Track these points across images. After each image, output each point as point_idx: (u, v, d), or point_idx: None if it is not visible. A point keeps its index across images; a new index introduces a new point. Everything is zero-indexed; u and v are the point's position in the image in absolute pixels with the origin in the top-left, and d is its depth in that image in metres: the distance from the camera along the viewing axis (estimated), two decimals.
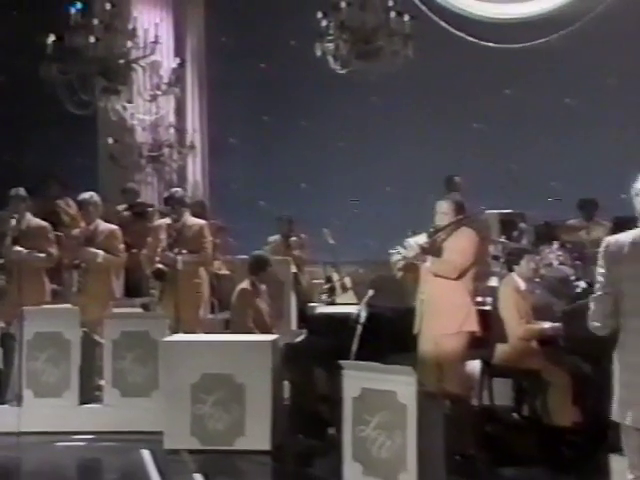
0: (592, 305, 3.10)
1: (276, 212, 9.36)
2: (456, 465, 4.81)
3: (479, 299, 6.20)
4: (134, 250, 7.46)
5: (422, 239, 5.11)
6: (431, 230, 5.17)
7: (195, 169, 10.83)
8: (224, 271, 8.04)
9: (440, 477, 4.54)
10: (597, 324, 3.06)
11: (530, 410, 5.67)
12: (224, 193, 10.77)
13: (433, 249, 5.09)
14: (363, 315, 5.03)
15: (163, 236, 6.61)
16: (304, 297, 7.93)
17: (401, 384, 4.50)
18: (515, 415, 5.80)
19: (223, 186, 10.91)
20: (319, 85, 10.49)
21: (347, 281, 8.06)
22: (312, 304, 7.54)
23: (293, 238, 8.53)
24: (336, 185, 10.58)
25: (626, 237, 3.06)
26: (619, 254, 3.01)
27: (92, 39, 7.99)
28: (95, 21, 8.06)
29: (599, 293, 3.08)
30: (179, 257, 6.40)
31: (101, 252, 6.61)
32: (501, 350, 5.51)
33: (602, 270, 3.07)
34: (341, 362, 4.70)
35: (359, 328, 4.96)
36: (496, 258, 6.85)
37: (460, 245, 5.13)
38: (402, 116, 10.33)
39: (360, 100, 10.40)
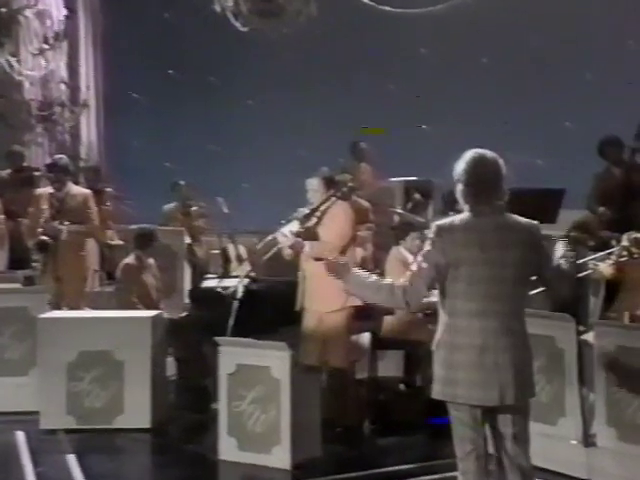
0: (410, 281, 3.36)
1: (182, 175, 9.66)
2: (336, 436, 5.35)
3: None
4: (20, 219, 7.72)
5: (295, 226, 5.48)
6: (304, 215, 5.53)
7: (90, 129, 11.01)
8: (117, 241, 8.36)
9: (315, 449, 5.09)
10: (411, 304, 3.38)
11: (420, 380, 6.24)
12: (124, 154, 10.98)
13: (309, 234, 5.48)
14: (240, 290, 5.47)
15: (45, 206, 6.82)
16: (199, 269, 8.30)
17: (275, 359, 5.02)
18: (402, 386, 6.37)
19: (123, 147, 11.12)
20: (228, 38, 10.72)
21: (243, 252, 8.46)
22: (208, 276, 7.92)
23: (193, 208, 8.86)
24: (245, 147, 10.90)
25: (458, 223, 3.39)
26: (453, 239, 3.36)
27: None
28: None
29: (422, 267, 3.33)
30: (63, 227, 6.67)
31: None
32: (388, 322, 6.05)
33: (428, 252, 3.35)
34: (216, 338, 5.17)
35: (235, 304, 5.40)
36: (395, 229, 7.35)
37: (335, 224, 5.53)
38: (314, 75, 10.67)
39: (271, 57, 10.69)
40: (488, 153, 3.46)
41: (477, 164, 3.41)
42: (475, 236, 3.38)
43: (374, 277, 3.55)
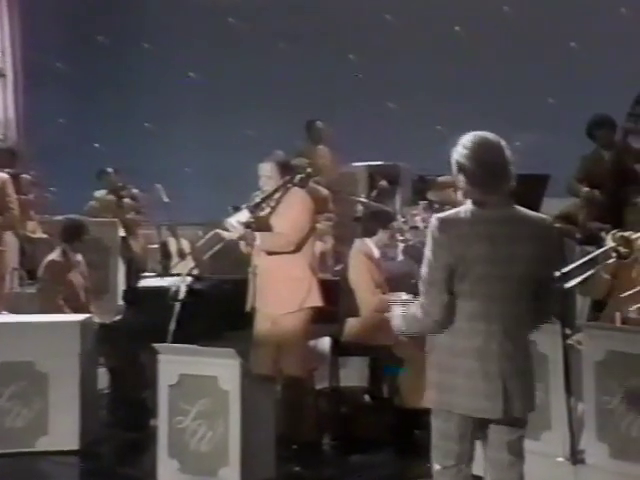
0: (424, 298, 3.36)
1: (115, 158, 9.60)
2: (293, 455, 5.35)
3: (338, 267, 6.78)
4: None
5: (244, 215, 5.41)
6: (254, 203, 5.47)
7: (6, 103, 10.88)
8: (39, 235, 8.31)
9: (268, 469, 5.07)
10: (435, 317, 3.34)
11: (387, 391, 6.28)
12: (46, 133, 10.88)
13: (261, 225, 5.43)
14: (182, 290, 5.45)
15: None
16: (135, 266, 8.28)
17: (223, 368, 4.99)
18: (367, 397, 6.41)
19: (45, 124, 11.01)
20: (166, 1, 10.67)
21: (185, 246, 8.46)
22: (145, 275, 7.90)
23: (126, 199, 8.82)
24: (187, 126, 10.85)
25: (464, 215, 3.37)
26: (459, 234, 3.33)
27: None
28: None
29: (432, 272, 3.31)
30: None
31: None
32: (351, 325, 6.05)
33: (433, 252, 3.32)
34: (155, 345, 5.14)
35: (177, 305, 5.38)
36: (358, 220, 7.39)
37: (292, 214, 5.50)
38: (265, 45, 10.65)
39: (216, 23, 10.66)
40: (490, 135, 3.40)
41: (480, 148, 3.35)
42: (483, 230, 3.36)
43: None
